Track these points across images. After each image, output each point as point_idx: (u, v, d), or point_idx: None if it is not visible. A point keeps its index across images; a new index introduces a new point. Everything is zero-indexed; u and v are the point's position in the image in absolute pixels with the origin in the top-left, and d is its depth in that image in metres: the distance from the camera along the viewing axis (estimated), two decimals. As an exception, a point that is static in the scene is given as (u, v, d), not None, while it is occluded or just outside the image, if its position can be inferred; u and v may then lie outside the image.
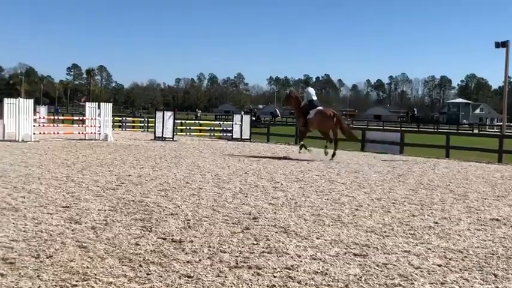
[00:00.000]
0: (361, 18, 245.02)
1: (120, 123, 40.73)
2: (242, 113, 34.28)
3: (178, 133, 30.35)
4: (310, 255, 6.00)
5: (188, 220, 7.67)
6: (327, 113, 19.01)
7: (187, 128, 33.86)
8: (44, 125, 29.01)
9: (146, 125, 38.83)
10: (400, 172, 15.31)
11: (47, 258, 5.55)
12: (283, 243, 6.48)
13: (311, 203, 9.53)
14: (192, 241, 6.44)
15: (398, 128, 61.39)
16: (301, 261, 5.79)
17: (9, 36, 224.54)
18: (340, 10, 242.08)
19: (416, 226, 7.82)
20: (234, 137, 29.85)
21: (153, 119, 29.91)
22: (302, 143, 19.91)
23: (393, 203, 9.87)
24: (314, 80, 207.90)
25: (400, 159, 20.31)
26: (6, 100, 24.04)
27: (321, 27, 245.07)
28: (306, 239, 6.77)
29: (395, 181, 13.20)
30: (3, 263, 5.36)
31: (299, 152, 19.47)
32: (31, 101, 23.32)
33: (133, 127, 41.09)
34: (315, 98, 19.66)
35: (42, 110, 48.49)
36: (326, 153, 18.66)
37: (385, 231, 7.37)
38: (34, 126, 23.24)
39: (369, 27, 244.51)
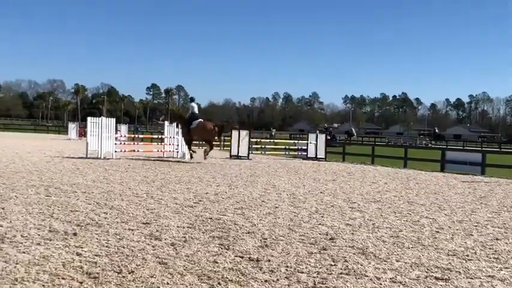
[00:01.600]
0: (439, 37, 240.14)
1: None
2: (317, 132, 34.16)
3: (253, 152, 30.58)
4: (390, 278, 5.87)
5: (265, 239, 7.68)
6: (207, 126, 23.16)
7: (262, 146, 34.06)
8: (124, 143, 29.91)
9: (222, 143, 39.35)
10: (482, 194, 14.81)
11: (129, 273, 5.69)
12: (361, 265, 6.38)
13: (389, 224, 9.35)
14: (269, 260, 6.44)
15: (480, 148, 59.53)
16: (380, 283, 5.67)
17: (92, 57, 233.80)
18: (418, 29, 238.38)
19: (500, 250, 7.53)
20: (308, 156, 29.77)
21: (229, 138, 30.30)
22: (191, 151, 23.71)
23: (475, 225, 9.54)
24: (391, 98, 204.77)
25: (482, 180, 19.64)
26: (89, 119, 25.00)
27: (398, 45, 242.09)
28: (385, 261, 6.64)
29: (476, 203, 12.77)
30: (87, 277, 5.54)
31: (191, 158, 23.63)
32: (113, 120, 24.18)
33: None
34: (196, 111, 23.69)
35: (123, 128, 50.22)
36: (205, 158, 23.39)
37: (467, 255, 7.13)
38: (115, 144, 24.00)
39: (447, 45, 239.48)
